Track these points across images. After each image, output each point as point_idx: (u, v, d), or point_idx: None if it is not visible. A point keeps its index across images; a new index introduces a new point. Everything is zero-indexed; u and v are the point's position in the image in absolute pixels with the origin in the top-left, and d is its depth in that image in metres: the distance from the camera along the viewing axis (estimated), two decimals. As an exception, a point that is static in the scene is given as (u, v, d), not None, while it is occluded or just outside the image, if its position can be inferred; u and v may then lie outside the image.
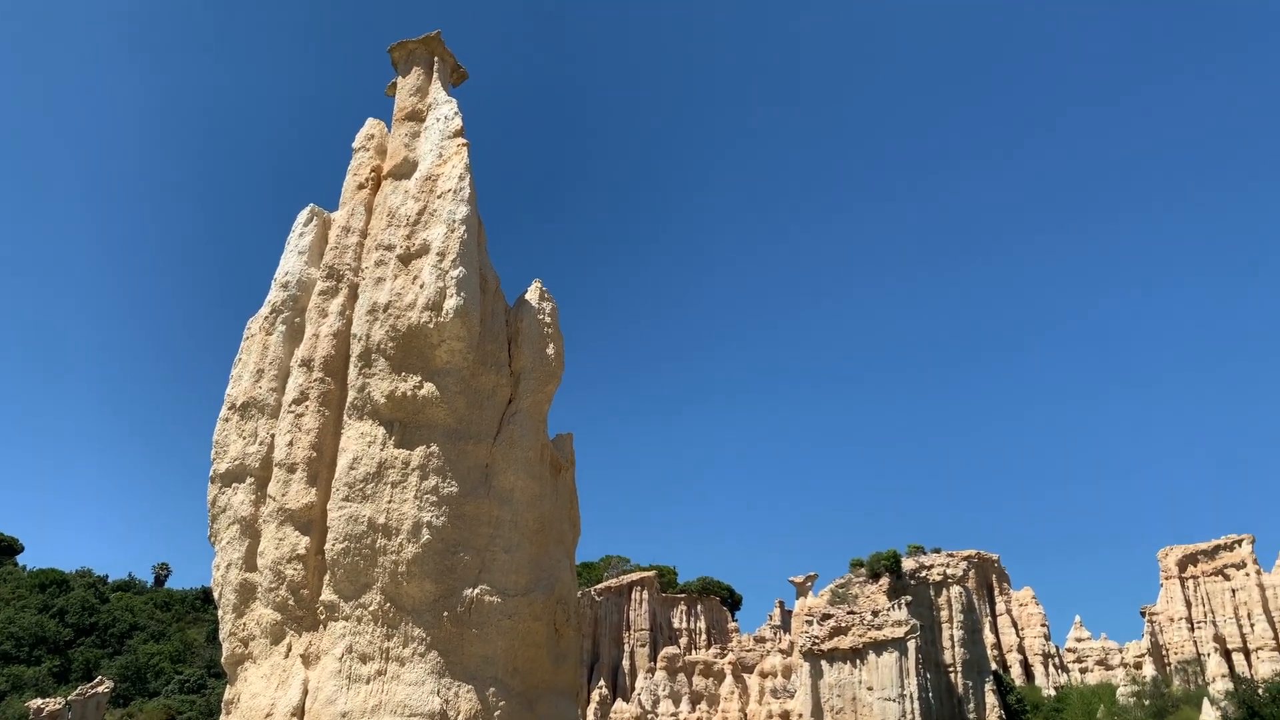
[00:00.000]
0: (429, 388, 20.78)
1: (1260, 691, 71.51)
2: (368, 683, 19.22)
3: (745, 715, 75.23)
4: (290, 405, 22.17)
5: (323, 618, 20.37)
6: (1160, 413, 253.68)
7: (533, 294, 23.56)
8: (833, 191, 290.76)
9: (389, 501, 20.18)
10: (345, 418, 21.47)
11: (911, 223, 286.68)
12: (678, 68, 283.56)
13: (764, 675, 77.01)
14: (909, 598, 70.51)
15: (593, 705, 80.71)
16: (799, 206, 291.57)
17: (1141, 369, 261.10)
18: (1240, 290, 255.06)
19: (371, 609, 19.73)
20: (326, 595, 20.26)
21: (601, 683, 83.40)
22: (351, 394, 21.35)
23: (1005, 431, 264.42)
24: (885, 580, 74.49)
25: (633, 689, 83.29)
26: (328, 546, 20.25)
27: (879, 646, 64.97)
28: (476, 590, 20.07)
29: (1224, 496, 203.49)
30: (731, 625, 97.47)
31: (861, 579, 76.16)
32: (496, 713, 19.54)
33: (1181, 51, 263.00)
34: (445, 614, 19.75)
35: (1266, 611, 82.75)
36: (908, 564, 77.75)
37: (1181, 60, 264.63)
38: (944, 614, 75.29)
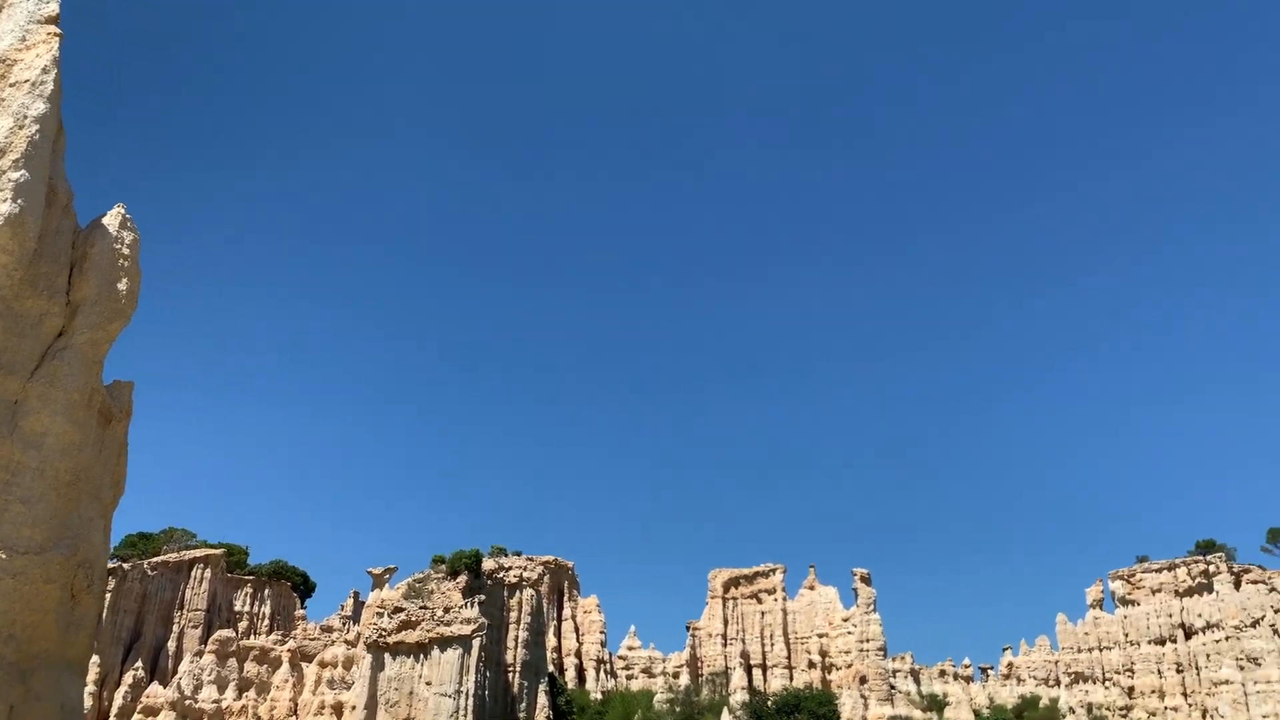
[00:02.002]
0: (-45, 301, 17.70)
1: (769, 703, 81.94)
2: None
3: (296, 705, 72.15)
4: None
5: None
6: (723, 450, 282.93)
7: (112, 219, 20.97)
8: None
9: (-126, 427, 16.84)
10: None
11: (501, 225, 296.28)
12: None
13: (324, 665, 74.51)
14: (483, 597, 71.91)
15: (124, 687, 73.04)
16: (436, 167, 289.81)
17: (722, 402, 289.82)
18: (784, 340, 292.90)
19: None
20: None
21: (139, 663, 75.76)
22: None
23: (597, 446, 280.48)
24: (464, 578, 75.35)
25: (176, 672, 76.57)
26: None
27: (444, 643, 65.54)
28: (-24, 542, 17.29)
29: (771, 527, 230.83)
30: (299, 613, 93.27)
31: (441, 575, 76.42)
32: (-24, 684, 16.91)
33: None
34: (-73, 566, 16.80)
35: (786, 634, 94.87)
36: (488, 564, 79.31)
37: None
38: (514, 615, 77.67)
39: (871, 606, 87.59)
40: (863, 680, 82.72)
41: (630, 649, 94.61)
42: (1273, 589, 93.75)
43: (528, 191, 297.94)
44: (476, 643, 66.38)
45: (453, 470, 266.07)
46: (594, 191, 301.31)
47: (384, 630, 66.29)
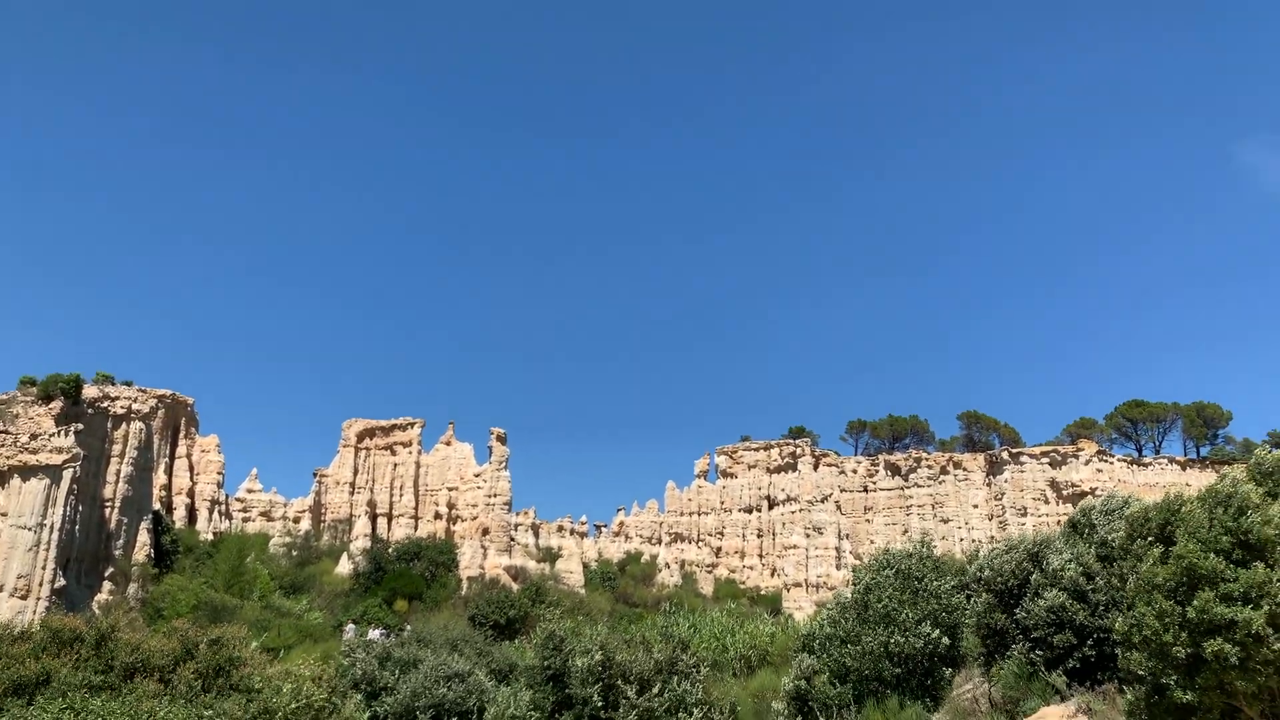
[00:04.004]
0: None
1: (390, 550, 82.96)
2: None
3: None
4: None
5: None
6: (364, 300, 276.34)
7: None
8: None
9: None
10: None
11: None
12: None
13: None
14: (80, 426, 65.15)
15: None
16: None
17: (364, 256, 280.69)
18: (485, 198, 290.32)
19: None
20: None
21: None
22: None
23: (232, 280, 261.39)
24: (59, 404, 67.68)
25: None
26: None
27: (28, 472, 58.89)
28: None
29: (411, 383, 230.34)
30: None
31: (30, 399, 68.11)
32: None
33: None
34: None
35: (417, 486, 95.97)
36: (91, 392, 71.74)
37: None
38: (118, 449, 71.33)
39: (504, 464, 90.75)
40: (485, 532, 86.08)
41: (250, 492, 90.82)
42: (842, 472, 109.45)
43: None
44: (68, 474, 60.30)
45: (56, 283, 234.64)
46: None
47: (-50, 454, 58.08)
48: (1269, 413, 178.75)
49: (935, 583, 27.52)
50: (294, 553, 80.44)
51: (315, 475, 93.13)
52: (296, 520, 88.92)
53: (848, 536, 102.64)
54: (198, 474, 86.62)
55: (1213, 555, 15.49)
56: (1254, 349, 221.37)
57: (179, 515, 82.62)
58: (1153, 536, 17.76)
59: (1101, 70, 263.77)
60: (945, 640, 26.47)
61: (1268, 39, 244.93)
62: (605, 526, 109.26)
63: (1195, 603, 15.17)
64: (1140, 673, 16.62)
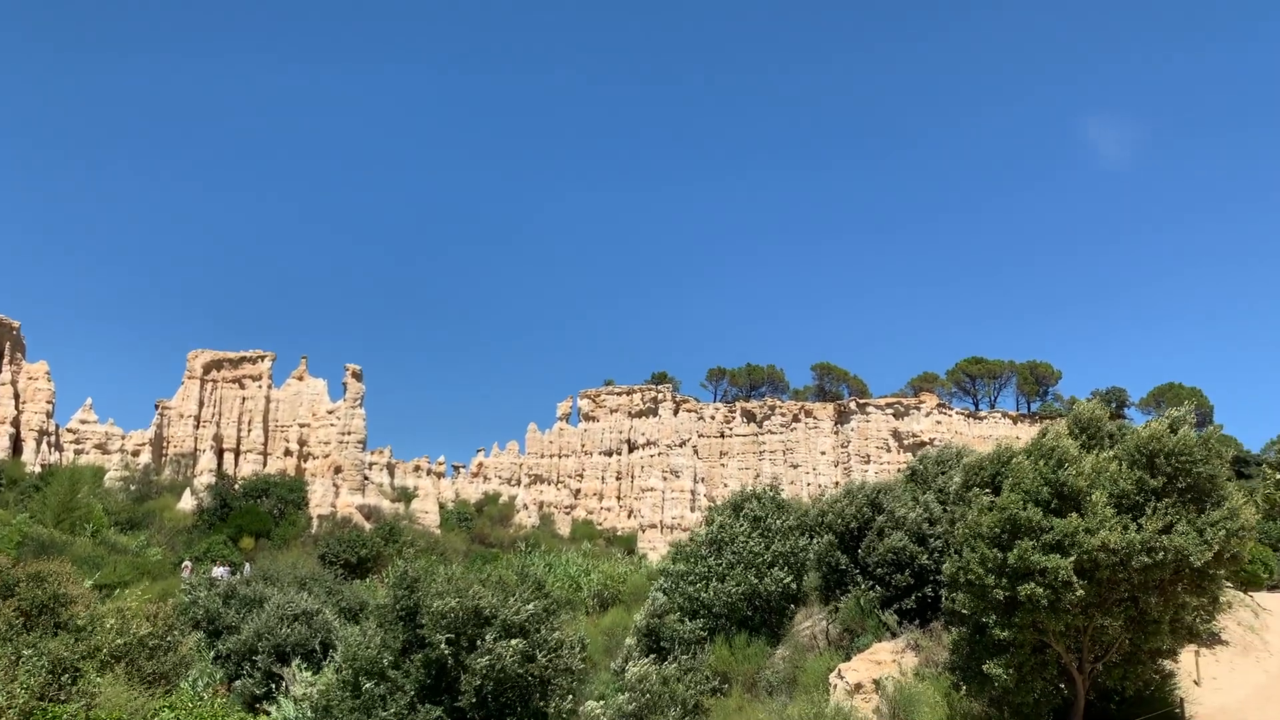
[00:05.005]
0: None
1: (236, 486, 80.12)
2: None
3: None
4: None
5: None
6: (214, 228, 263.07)
7: None
8: None
9: None
10: None
11: None
12: None
13: None
14: (-113, 347, 59.78)
15: None
16: None
17: (215, 182, 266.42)
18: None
19: None
20: None
21: None
22: None
23: (68, 198, 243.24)
24: None
25: None
26: None
27: None
28: None
29: (264, 315, 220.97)
30: None
31: None
32: None
33: None
34: None
35: (266, 421, 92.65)
36: (-101, 310, 65.87)
37: None
38: (-69, 373, 65.89)
39: (359, 401, 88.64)
40: (338, 470, 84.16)
41: (83, 423, 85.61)
42: (701, 417, 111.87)
43: None
44: (-128, 399, 55.37)
45: None
46: None
47: None
48: (1095, 373, 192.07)
49: (781, 521, 28.68)
50: (132, 487, 76.63)
51: (157, 407, 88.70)
52: (135, 454, 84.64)
53: (703, 480, 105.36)
54: (23, 402, 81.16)
55: (1031, 506, 16.69)
56: (1085, 313, 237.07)
57: (2, 446, 77.41)
58: (985, 485, 18.98)
59: (953, 41, 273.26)
60: (795, 585, 27.73)
61: (1117, 17, 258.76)
62: (464, 468, 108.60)
63: (1014, 551, 16.34)
64: (964, 612, 17.85)
